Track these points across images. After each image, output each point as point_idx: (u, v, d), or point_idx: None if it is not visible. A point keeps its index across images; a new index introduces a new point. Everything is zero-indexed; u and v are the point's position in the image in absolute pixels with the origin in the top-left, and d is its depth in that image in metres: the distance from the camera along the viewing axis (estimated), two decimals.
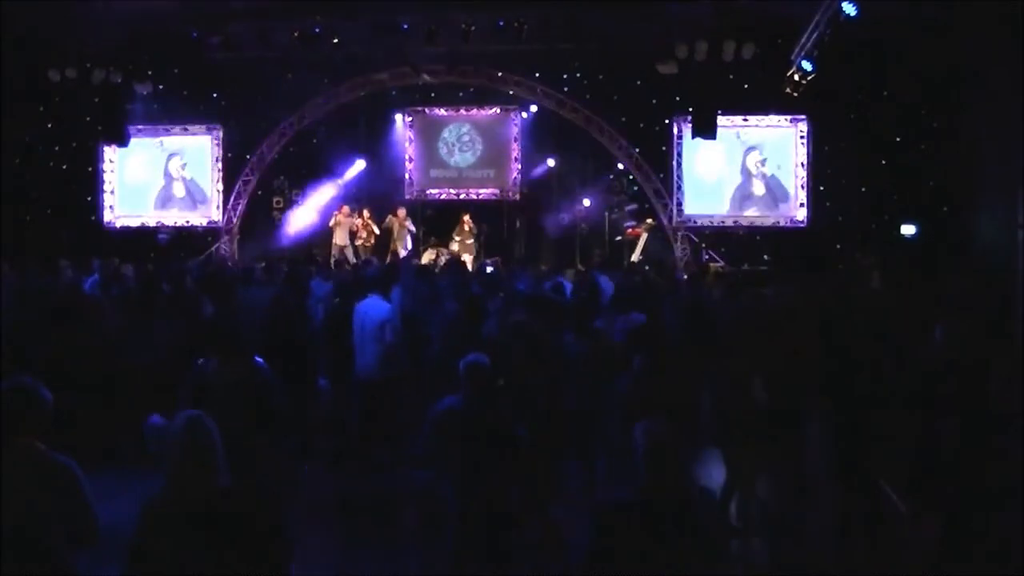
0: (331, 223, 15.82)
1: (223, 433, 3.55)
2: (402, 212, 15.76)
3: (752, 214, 16.14)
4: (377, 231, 15.87)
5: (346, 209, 15.86)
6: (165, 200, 17.32)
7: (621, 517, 3.13)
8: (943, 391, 3.95)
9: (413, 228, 15.75)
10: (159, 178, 17.30)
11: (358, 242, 15.78)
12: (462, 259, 14.46)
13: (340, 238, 15.63)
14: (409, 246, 15.61)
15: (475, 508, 4.33)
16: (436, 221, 16.62)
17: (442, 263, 14.13)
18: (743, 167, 16.13)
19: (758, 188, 16.14)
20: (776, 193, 16.10)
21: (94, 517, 3.32)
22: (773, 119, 15.94)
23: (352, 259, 14.92)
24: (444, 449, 4.43)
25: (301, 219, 16.76)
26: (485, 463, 4.31)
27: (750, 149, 16.10)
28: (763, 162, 16.07)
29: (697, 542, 3.09)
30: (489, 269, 11.53)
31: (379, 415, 7.06)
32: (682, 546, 3.04)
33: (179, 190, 17.36)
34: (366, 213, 15.94)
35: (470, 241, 15.76)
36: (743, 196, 16.15)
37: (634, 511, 3.10)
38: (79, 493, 3.28)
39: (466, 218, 15.90)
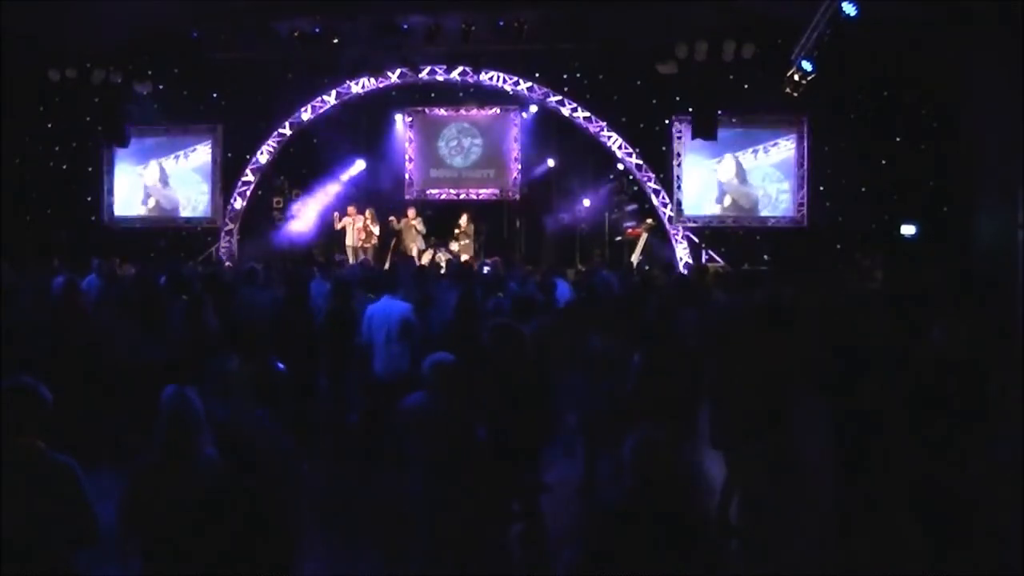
0: (338, 225, 15.83)
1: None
2: (412, 212, 15.83)
3: (741, 214, 16.21)
4: (376, 232, 15.87)
5: (352, 209, 15.88)
6: (152, 202, 17.42)
7: (616, 522, 3.13)
8: (941, 391, 3.95)
9: (423, 228, 15.77)
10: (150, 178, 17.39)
11: (358, 243, 15.80)
12: (463, 260, 14.48)
13: (351, 239, 15.68)
14: (423, 246, 15.66)
15: (442, 506, 4.40)
16: (436, 221, 16.62)
17: (443, 263, 14.16)
18: (718, 183, 16.15)
19: (726, 201, 16.21)
20: (743, 206, 16.16)
21: (94, 517, 3.32)
22: (773, 119, 15.95)
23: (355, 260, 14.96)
24: (410, 446, 4.53)
25: (303, 220, 16.77)
26: (449, 461, 4.38)
27: (727, 163, 16.14)
28: (741, 176, 16.09)
29: (692, 549, 3.08)
30: (486, 269, 11.51)
31: (384, 415, 7.06)
32: (677, 552, 3.04)
33: (151, 203, 17.41)
34: (368, 214, 15.94)
35: (466, 241, 15.75)
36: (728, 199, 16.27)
37: (628, 517, 3.10)
38: (79, 493, 3.28)
39: (464, 218, 15.91)
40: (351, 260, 15.11)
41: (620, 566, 3.00)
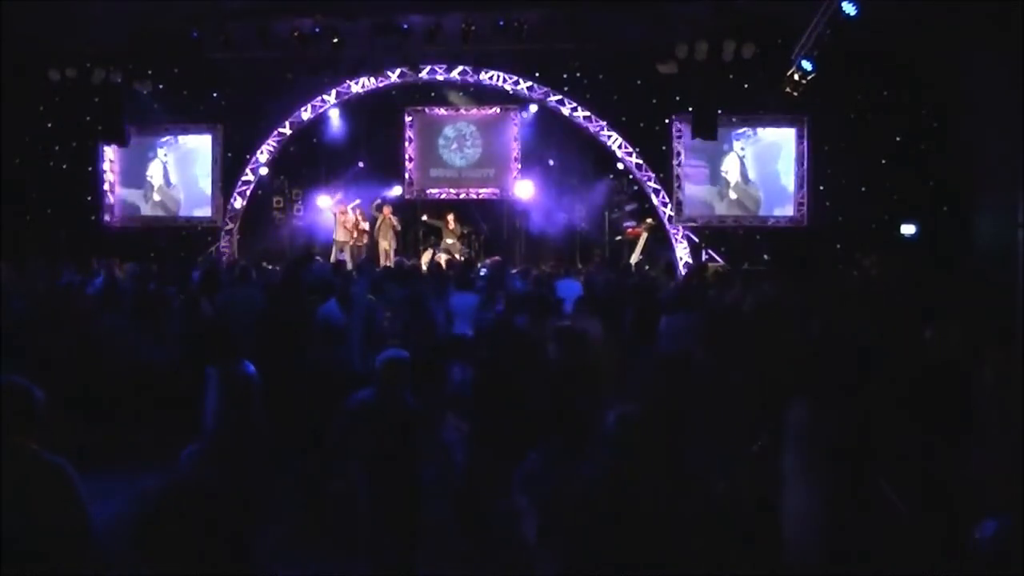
0: (333, 210, 15.95)
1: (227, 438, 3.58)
2: (387, 209, 15.81)
3: (741, 214, 16.19)
4: (366, 227, 15.93)
5: (342, 206, 15.95)
6: (152, 201, 17.43)
7: (589, 498, 3.15)
8: (936, 390, 3.95)
9: (398, 226, 15.80)
10: (147, 181, 17.39)
11: (348, 239, 15.84)
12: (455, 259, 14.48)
13: (339, 234, 15.76)
14: (394, 244, 15.69)
15: (383, 496, 4.55)
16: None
17: (442, 263, 14.14)
18: (720, 175, 16.16)
19: (731, 195, 16.19)
20: (746, 202, 16.14)
21: (88, 517, 3.31)
22: (773, 119, 15.95)
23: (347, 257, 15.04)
24: (356, 439, 4.64)
25: (302, 219, 16.81)
26: (392, 453, 4.52)
27: (733, 156, 16.14)
28: (742, 171, 16.08)
29: (664, 533, 3.08)
30: (483, 271, 11.51)
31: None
32: (647, 535, 3.04)
33: (156, 199, 17.41)
34: (358, 211, 15.96)
35: (452, 241, 15.78)
36: (728, 199, 16.24)
37: (601, 494, 3.12)
38: (72, 493, 3.26)
39: (450, 218, 15.93)
40: (334, 256, 15.15)
41: (592, 542, 3.02)
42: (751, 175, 16.15)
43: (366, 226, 15.94)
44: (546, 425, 4.99)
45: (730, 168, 16.19)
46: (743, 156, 16.14)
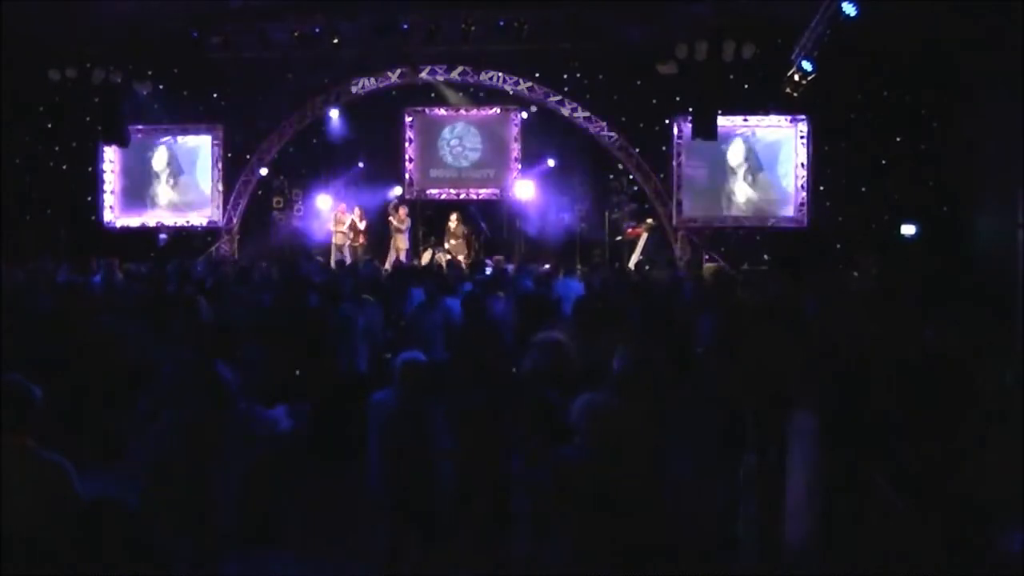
0: (331, 224, 15.94)
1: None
2: (403, 211, 15.89)
3: (741, 214, 16.15)
4: (363, 228, 15.97)
5: (342, 207, 15.97)
6: (152, 201, 17.39)
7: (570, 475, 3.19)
8: (935, 390, 3.95)
9: (401, 225, 15.86)
10: (150, 178, 17.38)
11: (356, 243, 15.88)
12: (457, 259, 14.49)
13: (336, 237, 15.79)
14: (406, 244, 15.75)
15: (400, 496, 4.53)
16: (436, 221, 16.63)
17: (443, 263, 14.15)
18: (727, 169, 16.13)
19: (740, 192, 16.14)
20: (758, 197, 16.07)
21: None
22: (773, 119, 15.94)
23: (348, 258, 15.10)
24: (375, 440, 4.61)
25: (302, 219, 16.82)
26: (405, 457, 4.48)
27: (737, 150, 16.10)
28: (747, 167, 16.05)
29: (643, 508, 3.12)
30: (488, 270, 11.51)
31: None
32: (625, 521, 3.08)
33: (164, 193, 17.35)
34: (357, 212, 16.00)
35: (454, 242, 15.83)
36: (728, 198, 16.18)
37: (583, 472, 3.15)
38: (71, 491, 3.27)
39: (453, 218, 15.95)
40: (332, 257, 15.20)
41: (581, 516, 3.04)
42: (754, 175, 16.13)
43: (363, 226, 15.97)
44: (527, 425, 5.00)
45: (732, 167, 16.18)
46: (745, 155, 16.12)
